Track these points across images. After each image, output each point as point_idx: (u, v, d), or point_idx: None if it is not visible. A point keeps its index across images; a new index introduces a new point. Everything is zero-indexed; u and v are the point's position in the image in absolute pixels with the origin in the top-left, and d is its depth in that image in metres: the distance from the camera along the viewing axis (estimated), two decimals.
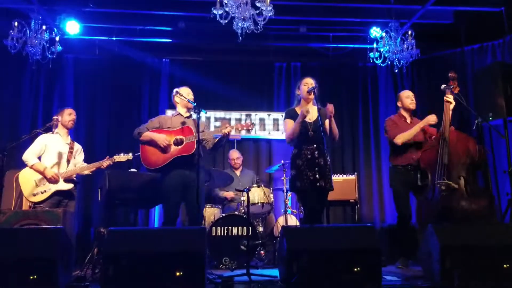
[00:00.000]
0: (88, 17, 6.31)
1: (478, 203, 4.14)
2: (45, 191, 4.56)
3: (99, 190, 5.16)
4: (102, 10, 6.22)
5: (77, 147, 4.98)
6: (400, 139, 4.63)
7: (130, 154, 4.77)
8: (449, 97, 4.48)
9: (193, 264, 3.03)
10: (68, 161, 4.78)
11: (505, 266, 3.22)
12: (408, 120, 4.83)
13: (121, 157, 4.77)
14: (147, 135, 4.29)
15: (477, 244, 3.28)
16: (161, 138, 4.23)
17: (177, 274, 3.00)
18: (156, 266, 3.01)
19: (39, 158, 4.69)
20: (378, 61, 6.13)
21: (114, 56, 6.79)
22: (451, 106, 4.46)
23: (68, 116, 4.86)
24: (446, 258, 3.20)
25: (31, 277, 2.89)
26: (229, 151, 6.43)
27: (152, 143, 4.25)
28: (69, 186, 4.69)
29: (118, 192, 4.85)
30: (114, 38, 6.67)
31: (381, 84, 7.30)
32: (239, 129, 4.28)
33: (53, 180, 4.57)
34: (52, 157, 4.69)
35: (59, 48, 5.66)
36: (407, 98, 4.85)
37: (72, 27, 6.17)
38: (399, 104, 4.92)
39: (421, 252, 3.67)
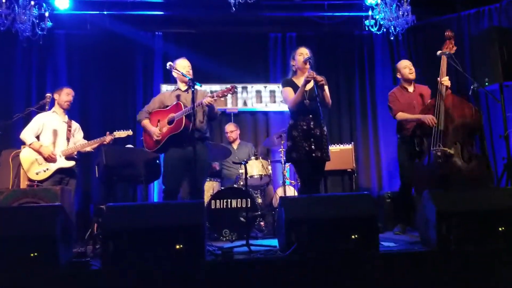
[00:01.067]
0: None
1: (474, 169, 4.16)
2: (47, 169, 4.62)
3: (96, 166, 5.17)
4: None
5: (75, 125, 5.01)
6: (400, 117, 4.73)
7: (130, 130, 4.85)
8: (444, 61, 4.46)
9: (192, 237, 3.05)
10: (68, 139, 4.82)
11: (500, 229, 3.26)
12: (411, 89, 4.82)
13: (122, 133, 4.87)
14: (144, 125, 4.46)
15: (473, 208, 3.32)
16: (154, 132, 4.36)
17: (177, 247, 3.03)
18: (156, 240, 3.03)
19: (38, 137, 4.70)
20: (374, 29, 6.05)
21: (106, 31, 6.65)
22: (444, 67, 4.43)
23: (66, 96, 4.88)
24: (442, 223, 3.24)
25: (32, 255, 2.91)
26: (226, 125, 6.40)
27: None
28: (71, 163, 4.75)
29: (115, 168, 4.85)
30: (105, 12, 6.55)
31: (378, 52, 7.23)
32: (220, 96, 4.19)
33: (50, 159, 4.61)
34: (50, 136, 4.72)
35: (49, 24, 5.55)
36: (405, 68, 4.82)
37: (62, 2, 6.05)
38: (398, 76, 4.90)
39: (418, 218, 3.72)
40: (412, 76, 4.80)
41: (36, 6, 5.51)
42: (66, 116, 4.95)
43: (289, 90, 4.29)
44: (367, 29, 6.16)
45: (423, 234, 3.61)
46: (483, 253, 3.16)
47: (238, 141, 6.28)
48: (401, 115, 4.70)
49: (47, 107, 4.73)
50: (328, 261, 3.06)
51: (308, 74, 4.02)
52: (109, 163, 4.82)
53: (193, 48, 6.94)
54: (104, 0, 6.44)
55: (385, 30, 6.03)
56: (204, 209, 3.29)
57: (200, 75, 6.60)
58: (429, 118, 4.36)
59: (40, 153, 4.61)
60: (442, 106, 4.34)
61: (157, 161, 5.00)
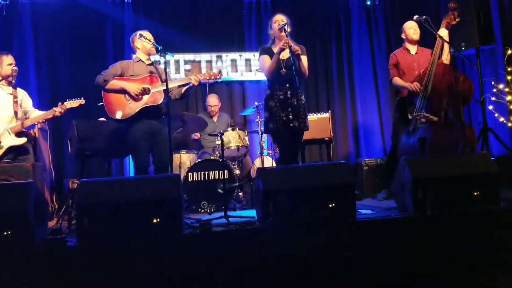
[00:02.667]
0: None
1: (457, 136, 4.17)
2: (1, 147, 4.26)
3: (68, 141, 5.04)
4: None
5: (21, 93, 4.58)
6: (394, 82, 4.76)
7: (82, 99, 4.51)
8: (443, 31, 4.44)
9: (169, 211, 3.02)
10: (16, 113, 4.42)
11: (475, 193, 3.31)
12: (413, 51, 4.79)
13: (73, 103, 4.47)
14: (115, 83, 4.14)
15: (448, 174, 3.35)
16: (133, 87, 4.11)
17: (154, 221, 2.99)
18: (132, 215, 2.99)
19: None
20: None
21: None
22: (446, 37, 4.41)
23: (7, 66, 4.43)
24: (418, 189, 3.27)
25: (5, 233, 2.84)
26: (208, 97, 6.22)
27: (121, 91, 4.12)
28: (22, 140, 4.36)
29: (88, 142, 4.72)
30: None
31: (354, 18, 7.13)
32: (207, 78, 4.18)
33: None
34: None
35: None
36: (410, 29, 4.78)
37: None
38: (403, 36, 4.86)
39: (394, 185, 3.75)
40: (416, 36, 4.76)
41: None
42: (10, 87, 4.50)
43: (266, 58, 4.21)
44: None
45: (399, 200, 3.65)
46: (459, 216, 3.21)
47: (218, 113, 6.19)
48: (396, 81, 4.73)
49: (13, 81, 4.42)
50: (306, 230, 3.07)
51: (283, 42, 3.95)
52: (82, 137, 4.69)
53: (164, 17, 6.76)
54: None
55: None
56: (180, 182, 3.24)
57: (173, 45, 6.51)
58: (413, 86, 4.38)
59: None
60: (432, 73, 4.34)
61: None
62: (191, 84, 4.19)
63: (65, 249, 2.87)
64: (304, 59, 4.17)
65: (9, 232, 2.85)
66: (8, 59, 4.44)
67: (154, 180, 3.26)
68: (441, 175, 3.33)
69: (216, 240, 3.01)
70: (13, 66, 4.44)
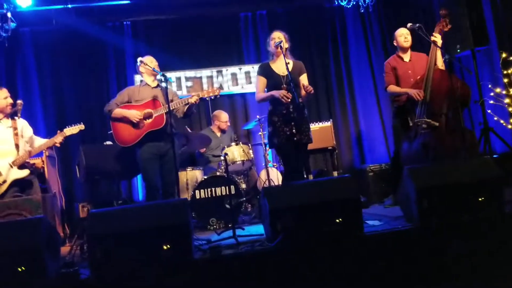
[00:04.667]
0: None
1: (458, 141, 4.17)
2: (3, 182, 4.24)
3: (76, 166, 5.12)
4: None
5: (21, 123, 4.51)
6: (390, 90, 4.76)
7: (82, 124, 4.50)
8: (436, 36, 4.46)
9: (179, 236, 3.06)
10: (17, 146, 4.37)
11: (480, 199, 3.33)
12: (407, 58, 4.80)
13: (73, 129, 4.46)
14: (118, 112, 4.30)
15: (452, 182, 3.35)
16: (133, 114, 4.26)
17: (164, 247, 3.04)
18: (142, 243, 3.03)
19: None
20: (343, 3, 6.02)
21: (73, 24, 6.47)
22: (439, 44, 4.43)
23: (2, 100, 4.38)
24: (423, 199, 3.29)
25: (19, 269, 2.89)
26: (218, 113, 6.20)
27: (124, 119, 4.27)
28: (25, 173, 4.34)
29: (96, 166, 4.83)
30: (69, 6, 6.34)
31: (350, 25, 7.19)
32: (206, 95, 4.28)
33: None
34: None
35: (12, 25, 5.40)
36: (401, 36, 4.80)
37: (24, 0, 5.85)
38: (395, 43, 4.89)
39: (400, 194, 3.78)
40: (407, 44, 4.77)
41: None
42: (9, 120, 4.45)
43: (260, 79, 4.31)
44: (336, 3, 6.11)
45: (405, 209, 3.68)
46: (466, 224, 3.24)
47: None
48: (391, 89, 4.74)
49: (19, 115, 4.46)
50: (314, 247, 3.11)
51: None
52: (90, 163, 4.79)
53: (163, 35, 6.87)
54: None
55: (355, 2, 5.99)
56: (188, 207, 3.29)
57: (173, 62, 6.61)
58: (415, 92, 4.39)
59: None
60: (430, 79, 4.36)
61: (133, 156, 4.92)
62: (190, 104, 4.30)
63: (78, 283, 2.92)
64: (304, 77, 4.25)
65: (23, 268, 2.91)
66: (3, 93, 4.42)
67: (161, 206, 3.30)
68: (445, 183, 3.34)
69: (227, 264, 3.05)
70: (9, 100, 4.41)
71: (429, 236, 3.19)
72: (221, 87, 4.42)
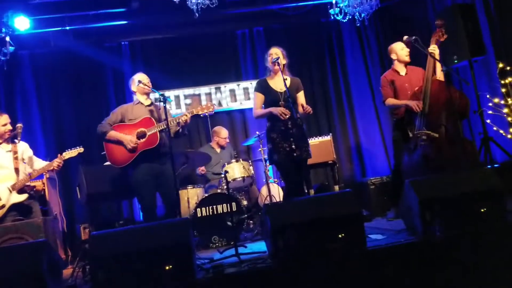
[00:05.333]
0: (36, 9, 5.99)
1: (458, 152, 4.17)
2: (2, 206, 4.23)
3: (77, 188, 5.11)
4: (50, 0, 5.95)
5: (21, 147, 4.54)
6: (388, 103, 4.78)
7: (81, 147, 4.53)
8: (434, 48, 4.47)
9: (181, 256, 3.05)
10: (17, 170, 4.38)
11: (482, 210, 3.32)
12: (403, 72, 4.81)
13: (71, 153, 4.48)
14: (113, 135, 4.24)
15: (454, 193, 3.35)
16: (127, 140, 4.18)
17: (167, 268, 3.02)
18: (145, 264, 3.02)
19: None
20: (339, 17, 6.05)
21: (71, 46, 6.52)
22: (436, 55, 4.44)
23: (2, 127, 4.39)
24: (426, 211, 3.29)
25: None
26: (218, 129, 6.22)
27: (119, 143, 4.22)
28: (23, 197, 4.33)
29: (96, 187, 4.81)
30: (67, 28, 6.39)
31: (346, 38, 7.24)
32: (200, 112, 4.23)
33: None
34: None
35: (11, 48, 5.43)
36: (402, 50, 4.80)
37: (22, 23, 5.85)
38: (393, 57, 4.88)
39: (402, 207, 3.77)
40: (408, 58, 4.79)
41: None
42: (9, 144, 4.47)
43: (257, 96, 4.32)
44: (332, 17, 6.15)
45: (408, 222, 3.67)
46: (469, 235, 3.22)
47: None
48: (389, 102, 4.75)
49: (19, 138, 4.44)
50: (317, 264, 3.09)
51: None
52: (90, 184, 4.78)
53: (161, 54, 6.92)
54: (65, 15, 6.26)
55: (350, 16, 6.03)
56: (189, 227, 3.27)
57: (172, 80, 6.64)
58: (414, 104, 4.39)
59: None
60: (428, 90, 4.37)
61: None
62: (182, 124, 4.21)
63: None
64: (301, 95, 4.29)
65: None
66: (2, 119, 4.42)
67: (163, 226, 3.28)
68: (447, 195, 3.34)
69: (230, 283, 3.03)
70: (8, 126, 4.43)
71: (433, 248, 3.17)
72: (213, 104, 4.32)
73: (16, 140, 4.43)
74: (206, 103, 5.88)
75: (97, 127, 4.31)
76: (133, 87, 4.44)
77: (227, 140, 6.19)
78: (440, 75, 4.46)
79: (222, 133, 6.16)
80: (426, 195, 3.33)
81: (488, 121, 5.21)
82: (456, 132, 4.29)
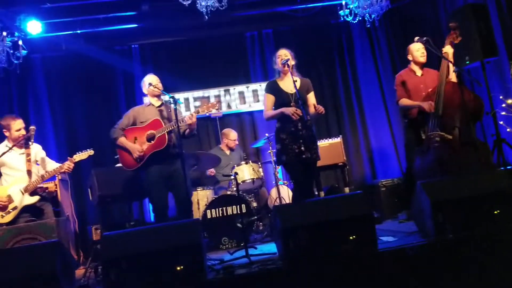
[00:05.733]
0: (48, 13, 6.07)
1: (472, 154, 4.15)
2: (14, 208, 4.30)
3: (89, 189, 5.15)
4: (61, 4, 6.01)
5: (35, 148, 4.62)
6: (401, 104, 4.74)
7: (91, 150, 4.57)
8: (448, 49, 4.44)
9: (192, 257, 3.06)
10: (29, 172, 4.45)
11: (495, 212, 3.29)
12: (419, 73, 4.78)
13: (82, 155, 4.51)
14: (123, 142, 4.33)
15: (467, 195, 3.33)
16: (133, 149, 4.27)
17: (178, 268, 3.04)
18: (156, 264, 3.04)
19: None
20: (349, 18, 6.04)
21: (82, 49, 6.59)
22: (450, 57, 4.41)
23: (16, 132, 4.46)
24: (438, 213, 3.27)
25: None
26: (227, 131, 6.24)
27: (127, 150, 4.31)
28: (35, 199, 4.40)
29: (108, 189, 4.85)
30: (78, 31, 6.46)
31: (356, 40, 7.22)
32: (206, 111, 4.24)
33: (1, 206, 4.27)
34: (11, 175, 4.45)
35: (24, 52, 5.50)
36: (418, 51, 4.76)
37: (34, 27, 5.94)
38: (409, 58, 4.85)
39: (413, 209, 3.75)
40: (423, 59, 4.75)
41: (9, 35, 5.43)
42: (23, 147, 4.54)
43: (268, 97, 4.32)
44: (342, 19, 6.15)
45: (419, 224, 3.64)
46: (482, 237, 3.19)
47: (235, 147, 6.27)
48: (402, 102, 4.72)
49: (32, 140, 4.49)
50: (328, 265, 3.08)
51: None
52: (101, 186, 4.81)
53: (171, 57, 6.95)
54: (76, 19, 6.33)
55: (360, 18, 6.02)
56: (200, 227, 3.29)
57: (181, 83, 6.68)
58: (427, 105, 4.37)
59: None
60: (442, 92, 4.33)
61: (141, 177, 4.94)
62: (188, 122, 4.21)
63: None
64: (312, 96, 4.28)
65: None
66: (16, 125, 4.48)
67: (174, 227, 3.30)
68: (460, 197, 3.32)
69: (240, 283, 3.03)
70: (22, 131, 4.48)
71: (445, 250, 3.15)
72: (218, 102, 4.33)
73: (29, 143, 4.48)
74: (211, 101, 5.94)
75: (110, 131, 4.42)
76: (144, 89, 4.50)
77: (236, 142, 6.20)
78: (452, 77, 4.43)
79: (231, 135, 6.18)
80: (438, 197, 3.31)
81: (501, 122, 5.16)
82: (469, 134, 4.26)
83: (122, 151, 4.37)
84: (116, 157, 4.46)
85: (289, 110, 4.07)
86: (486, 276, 3.04)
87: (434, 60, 4.59)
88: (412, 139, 4.72)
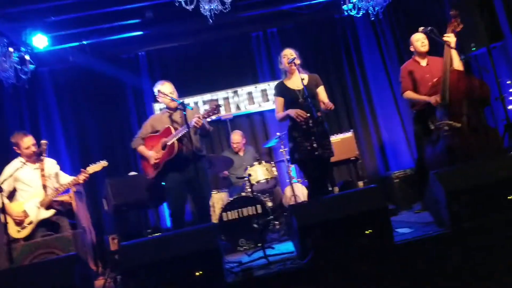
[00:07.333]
0: (53, 26, 6.10)
1: (483, 140, 4.12)
2: (30, 223, 4.34)
3: (104, 199, 5.19)
4: (66, 17, 6.05)
5: (48, 163, 4.68)
6: (406, 96, 4.73)
7: (105, 161, 4.62)
8: (449, 36, 4.39)
9: (210, 262, 3.09)
10: (44, 187, 4.49)
11: (509, 197, 3.26)
12: (424, 63, 4.75)
13: (95, 167, 4.56)
14: (141, 151, 4.46)
15: (480, 182, 3.31)
16: (150, 156, 4.36)
17: (197, 274, 3.06)
18: (174, 271, 3.07)
19: (13, 192, 4.46)
20: (353, 12, 6.00)
21: (89, 60, 6.61)
22: (453, 45, 4.37)
23: (25, 150, 4.51)
24: (453, 202, 3.25)
25: None
26: (231, 134, 6.30)
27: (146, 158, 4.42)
28: (50, 212, 4.45)
29: (122, 198, 4.91)
30: (84, 42, 6.51)
31: (361, 33, 7.16)
32: (206, 116, 4.21)
33: (18, 221, 4.31)
34: (26, 190, 4.49)
35: (31, 66, 5.55)
36: (417, 41, 4.74)
37: (40, 41, 5.97)
38: (411, 49, 4.83)
39: (427, 199, 3.73)
40: (424, 48, 4.72)
41: (15, 51, 5.49)
42: (37, 163, 4.58)
43: (278, 100, 4.35)
44: (346, 13, 6.11)
45: (435, 214, 3.62)
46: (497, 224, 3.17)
47: (243, 148, 6.27)
48: (407, 95, 4.70)
49: (44, 154, 4.53)
50: (346, 261, 3.08)
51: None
52: (116, 195, 4.87)
53: (178, 62, 6.97)
54: (81, 30, 6.37)
55: (364, 11, 5.98)
56: (216, 231, 3.30)
57: (190, 87, 6.70)
58: (433, 99, 4.34)
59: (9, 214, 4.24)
60: (447, 80, 4.30)
61: (162, 183, 4.99)
62: (193, 125, 4.18)
63: None
64: (321, 90, 4.27)
65: None
66: (25, 142, 4.50)
67: (191, 233, 3.32)
68: (474, 184, 3.30)
69: (260, 285, 3.04)
70: (31, 148, 4.51)
71: (462, 239, 3.13)
72: (218, 105, 4.31)
73: (42, 157, 4.52)
74: (231, 106, 5.97)
75: (131, 142, 4.57)
76: (161, 98, 4.51)
77: (240, 145, 6.20)
78: (459, 65, 4.39)
79: (233, 137, 6.22)
80: (452, 186, 3.30)
81: (510, 107, 5.11)
82: (478, 121, 4.22)
83: (143, 160, 4.50)
84: (130, 173, 4.61)
85: (292, 113, 4.07)
86: (505, 262, 3.01)
87: (440, 50, 4.54)
88: (421, 130, 4.69)
